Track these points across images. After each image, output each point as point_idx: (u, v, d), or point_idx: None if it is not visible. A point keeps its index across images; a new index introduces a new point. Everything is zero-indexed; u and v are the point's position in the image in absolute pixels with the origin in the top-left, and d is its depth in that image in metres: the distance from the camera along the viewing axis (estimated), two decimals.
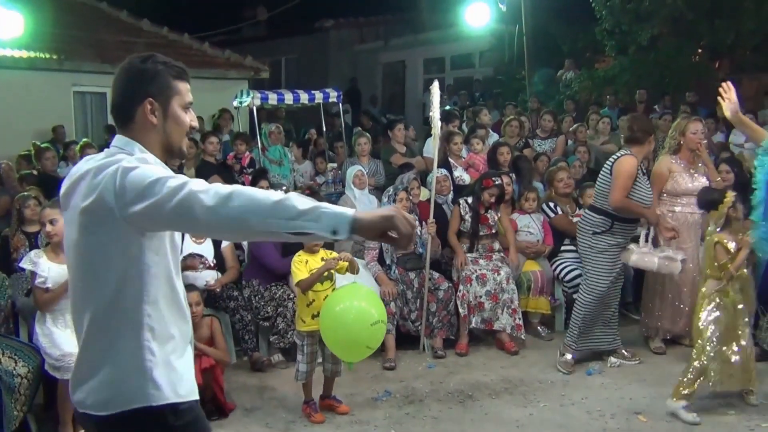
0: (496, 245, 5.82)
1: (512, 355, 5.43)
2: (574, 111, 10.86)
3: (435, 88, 5.50)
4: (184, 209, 1.74)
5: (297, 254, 4.46)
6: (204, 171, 6.96)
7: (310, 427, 4.33)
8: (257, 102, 8.27)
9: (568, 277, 5.90)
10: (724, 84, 4.18)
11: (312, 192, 6.35)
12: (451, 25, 15.66)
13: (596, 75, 13.39)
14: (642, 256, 4.88)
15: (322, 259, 4.43)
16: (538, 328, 5.87)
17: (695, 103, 10.74)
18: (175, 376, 1.93)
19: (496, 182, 5.71)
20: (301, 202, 1.73)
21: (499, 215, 5.83)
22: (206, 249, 5.26)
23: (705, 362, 4.12)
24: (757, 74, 12.59)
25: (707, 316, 4.21)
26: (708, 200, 4.51)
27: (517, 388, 4.83)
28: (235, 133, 8.27)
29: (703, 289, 4.33)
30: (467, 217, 5.75)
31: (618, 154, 5.10)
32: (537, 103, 11.89)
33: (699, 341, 4.21)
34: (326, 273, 4.37)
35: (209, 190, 1.74)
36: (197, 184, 1.77)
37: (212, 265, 5.29)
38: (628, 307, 6.15)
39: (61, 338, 4.08)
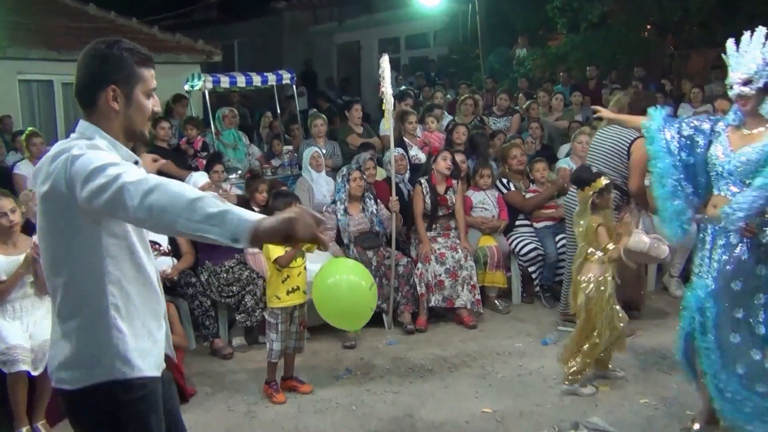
0: (453, 223, 5.89)
1: (471, 329, 5.52)
2: (528, 88, 10.99)
3: (385, 62, 5.47)
4: (117, 201, 1.76)
5: None
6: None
7: (271, 408, 4.35)
8: (209, 85, 8.14)
9: (523, 251, 6.00)
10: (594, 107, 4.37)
11: (254, 175, 6.31)
12: (405, 5, 15.60)
13: (549, 52, 13.53)
14: (636, 235, 4.87)
15: None
16: (495, 301, 5.97)
17: (644, 79, 10.96)
18: (144, 351, 2.00)
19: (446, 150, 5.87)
20: (214, 204, 1.70)
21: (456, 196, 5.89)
22: (160, 235, 5.20)
23: (596, 341, 4.23)
24: (703, 49, 12.88)
25: (590, 298, 4.26)
26: (578, 178, 4.49)
27: (475, 361, 4.92)
28: (186, 117, 8.14)
29: (587, 275, 4.28)
30: (427, 198, 5.80)
31: (630, 135, 4.92)
32: (492, 81, 11.98)
33: (590, 329, 4.26)
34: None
35: (139, 183, 1.75)
36: (131, 175, 1.77)
37: (167, 251, 5.24)
38: None
39: (7, 330, 3.99)
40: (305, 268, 4.54)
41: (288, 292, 4.41)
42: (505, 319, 5.78)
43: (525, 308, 6.04)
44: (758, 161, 3.26)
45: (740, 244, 3.33)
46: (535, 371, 4.69)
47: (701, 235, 3.50)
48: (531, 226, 6.23)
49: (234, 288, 5.26)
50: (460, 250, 5.64)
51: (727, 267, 3.35)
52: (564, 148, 7.55)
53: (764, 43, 3.27)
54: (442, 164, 5.82)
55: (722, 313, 3.34)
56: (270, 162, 8.02)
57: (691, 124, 3.56)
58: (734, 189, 3.35)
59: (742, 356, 3.36)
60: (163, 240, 5.24)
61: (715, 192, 3.46)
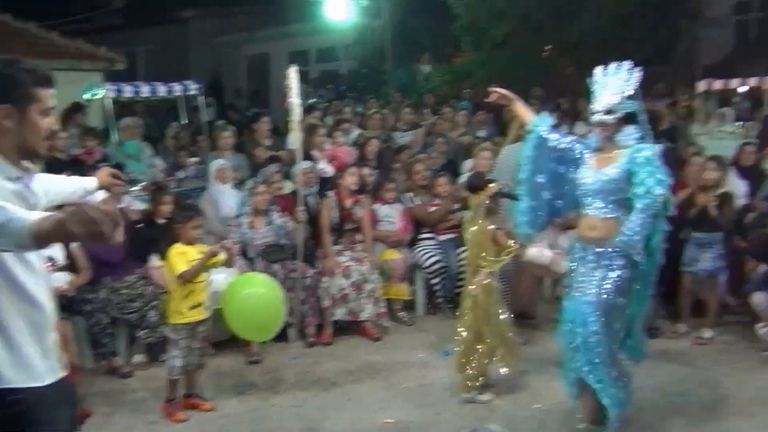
0: (359, 236, 5.98)
1: (375, 341, 5.61)
2: (435, 104, 11.27)
3: (292, 73, 5.51)
4: None
5: (173, 247, 4.40)
6: (54, 167, 6.53)
7: (172, 427, 4.27)
8: (110, 94, 7.91)
9: (427, 264, 6.16)
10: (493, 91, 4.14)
11: (159, 187, 6.21)
12: (314, 18, 15.70)
13: (455, 69, 13.94)
14: (540, 249, 5.00)
15: (200, 251, 4.41)
16: (400, 314, 6.09)
17: (543, 98, 11.46)
18: (19, 363, 2.03)
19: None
20: None
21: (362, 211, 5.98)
22: (55, 250, 5.01)
23: (487, 346, 4.42)
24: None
25: (477, 303, 4.43)
26: (471, 183, 4.70)
27: (379, 373, 5.01)
28: (84, 127, 7.88)
29: (480, 281, 4.40)
30: (334, 212, 5.87)
31: None
32: (399, 96, 12.20)
33: (477, 333, 4.43)
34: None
35: None
36: None
37: (63, 266, 5.06)
38: None
39: None
40: (209, 282, 4.51)
41: (191, 308, 4.36)
42: (409, 331, 5.90)
43: (428, 320, 6.18)
44: (620, 180, 3.54)
45: (623, 265, 3.59)
46: (437, 381, 4.82)
47: (582, 254, 3.73)
48: (434, 239, 6.40)
49: (137, 304, 5.14)
50: (365, 263, 5.73)
51: (614, 284, 3.59)
52: (467, 164, 7.78)
53: (628, 77, 3.57)
54: (350, 180, 5.91)
55: (604, 326, 3.59)
56: (175, 174, 7.86)
57: (568, 141, 3.84)
58: (600, 205, 3.64)
59: (615, 361, 3.70)
60: (59, 254, 5.05)
61: (584, 211, 3.72)
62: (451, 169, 7.56)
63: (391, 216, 6.28)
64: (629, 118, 3.60)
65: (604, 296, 3.59)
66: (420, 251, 6.28)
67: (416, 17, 14.72)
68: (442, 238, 6.39)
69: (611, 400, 3.68)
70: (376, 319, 5.70)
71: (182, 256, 4.34)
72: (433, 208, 6.44)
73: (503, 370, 4.54)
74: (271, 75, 17.46)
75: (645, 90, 3.69)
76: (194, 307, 4.36)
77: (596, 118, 3.61)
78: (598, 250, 3.63)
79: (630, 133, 3.59)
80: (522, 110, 4.08)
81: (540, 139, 3.83)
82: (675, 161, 7.56)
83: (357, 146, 7.65)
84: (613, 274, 3.59)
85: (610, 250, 3.59)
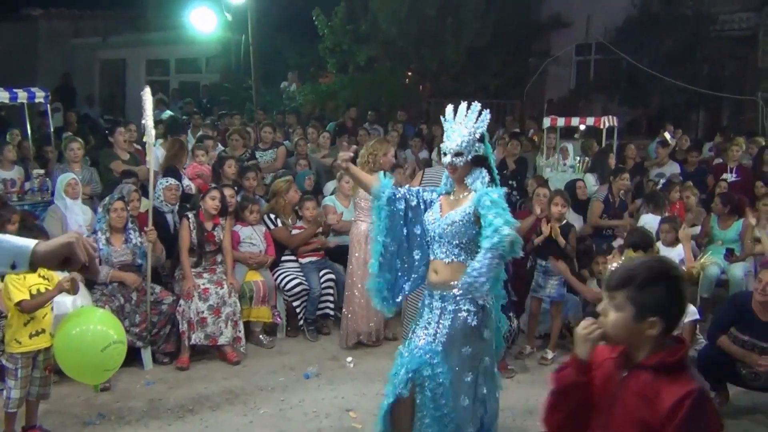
0: (219, 257, 5.86)
1: (234, 365, 5.51)
2: (297, 123, 11.28)
3: (147, 94, 5.30)
4: None
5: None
6: None
7: None
8: None
9: (288, 286, 6.15)
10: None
11: (2, 203, 5.76)
12: (176, 28, 15.26)
13: (319, 90, 14.07)
14: None
15: (40, 275, 4.12)
16: (260, 336, 6.02)
17: (405, 122, 11.86)
18: None
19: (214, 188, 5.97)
20: None
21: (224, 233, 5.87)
22: None
23: None
24: (455, 99, 14.28)
25: None
26: (636, 244, 4.85)
27: (238, 398, 4.92)
28: None
29: None
30: (194, 234, 5.72)
31: None
32: (262, 114, 12.11)
33: None
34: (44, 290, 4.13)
35: None
36: None
37: None
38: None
39: None
40: (52, 308, 4.24)
41: (31, 336, 4.09)
42: (269, 354, 5.84)
43: (289, 342, 6.16)
44: (462, 222, 3.40)
45: (468, 310, 3.40)
46: (296, 405, 4.82)
47: (428, 300, 3.56)
48: (296, 261, 6.40)
49: None
50: (225, 286, 5.63)
51: (458, 332, 3.40)
52: (330, 186, 7.85)
53: (478, 119, 3.41)
54: (210, 203, 5.79)
55: (455, 378, 3.39)
56: (23, 186, 7.29)
57: (417, 195, 3.66)
58: (444, 249, 3.48)
59: (471, 418, 3.46)
60: None
61: (431, 257, 3.57)
62: (317, 191, 7.61)
63: (254, 237, 6.22)
64: (478, 161, 3.48)
65: (452, 344, 3.40)
66: (281, 273, 6.26)
67: (282, 35, 14.71)
68: (304, 261, 6.42)
69: None
70: (233, 344, 5.60)
71: (20, 281, 4.05)
72: (295, 231, 6.45)
73: None
74: (128, 81, 16.73)
75: (498, 121, 3.79)
76: (35, 335, 4.10)
77: (446, 160, 3.47)
78: (443, 293, 3.47)
79: (479, 176, 3.46)
80: (362, 175, 3.83)
81: (391, 200, 3.59)
82: (521, 193, 8.15)
83: (218, 165, 7.50)
84: (459, 320, 3.41)
85: (454, 293, 3.37)
